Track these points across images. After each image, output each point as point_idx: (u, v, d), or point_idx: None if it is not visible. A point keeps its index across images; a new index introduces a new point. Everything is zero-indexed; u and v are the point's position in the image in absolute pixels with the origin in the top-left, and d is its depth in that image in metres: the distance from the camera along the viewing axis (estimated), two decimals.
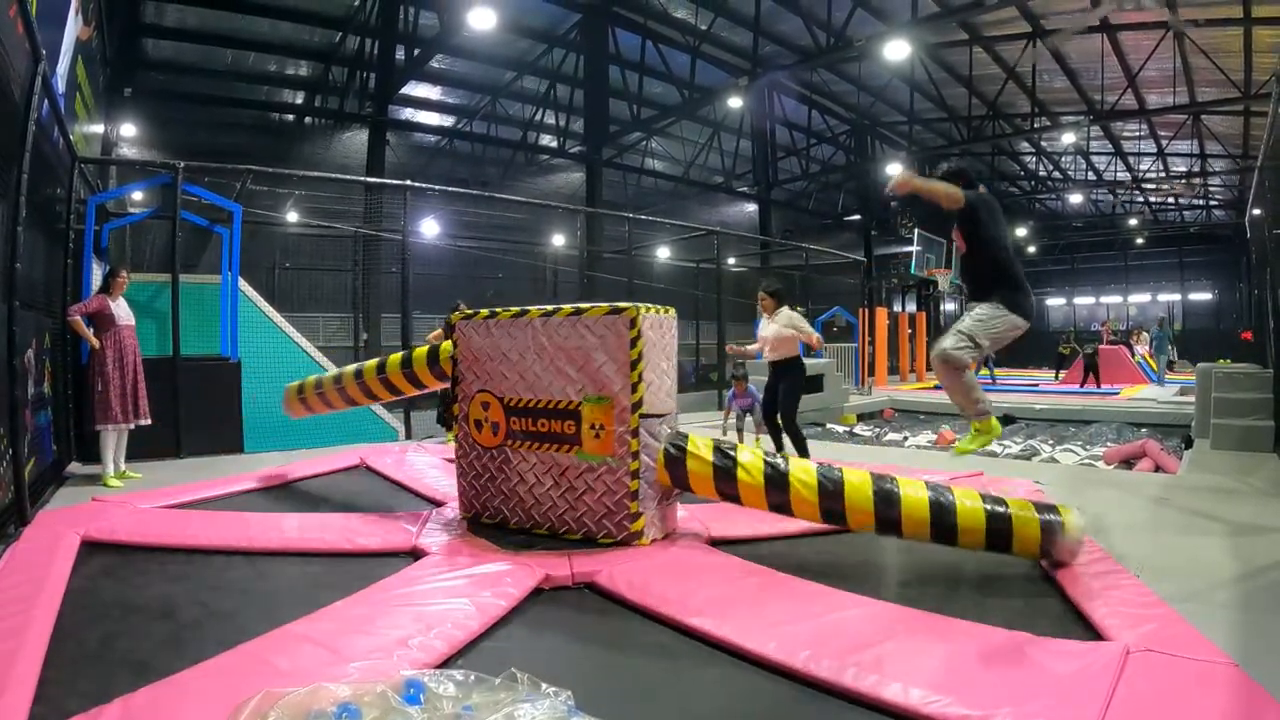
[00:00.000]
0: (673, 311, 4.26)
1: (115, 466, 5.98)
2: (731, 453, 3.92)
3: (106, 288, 6.04)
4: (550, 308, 4.17)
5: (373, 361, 5.43)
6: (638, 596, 3.16)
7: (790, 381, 6.10)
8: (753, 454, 3.93)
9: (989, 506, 3.43)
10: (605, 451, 3.92)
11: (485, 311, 4.41)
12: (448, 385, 4.77)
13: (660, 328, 4.10)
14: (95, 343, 5.87)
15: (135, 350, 6.10)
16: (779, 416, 6.17)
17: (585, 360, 3.98)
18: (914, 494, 3.50)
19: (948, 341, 3.48)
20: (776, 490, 3.75)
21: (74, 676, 2.44)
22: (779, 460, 3.87)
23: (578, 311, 4.05)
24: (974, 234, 3.63)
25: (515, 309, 4.29)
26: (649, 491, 3.95)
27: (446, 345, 4.74)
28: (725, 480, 3.86)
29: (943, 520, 3.41)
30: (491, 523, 4.34)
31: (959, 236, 3.67)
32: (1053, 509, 3.45)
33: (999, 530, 3.38)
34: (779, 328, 6.15)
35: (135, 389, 6.02)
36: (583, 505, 4.00)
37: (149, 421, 6.14)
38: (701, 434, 6.99)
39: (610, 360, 3.91)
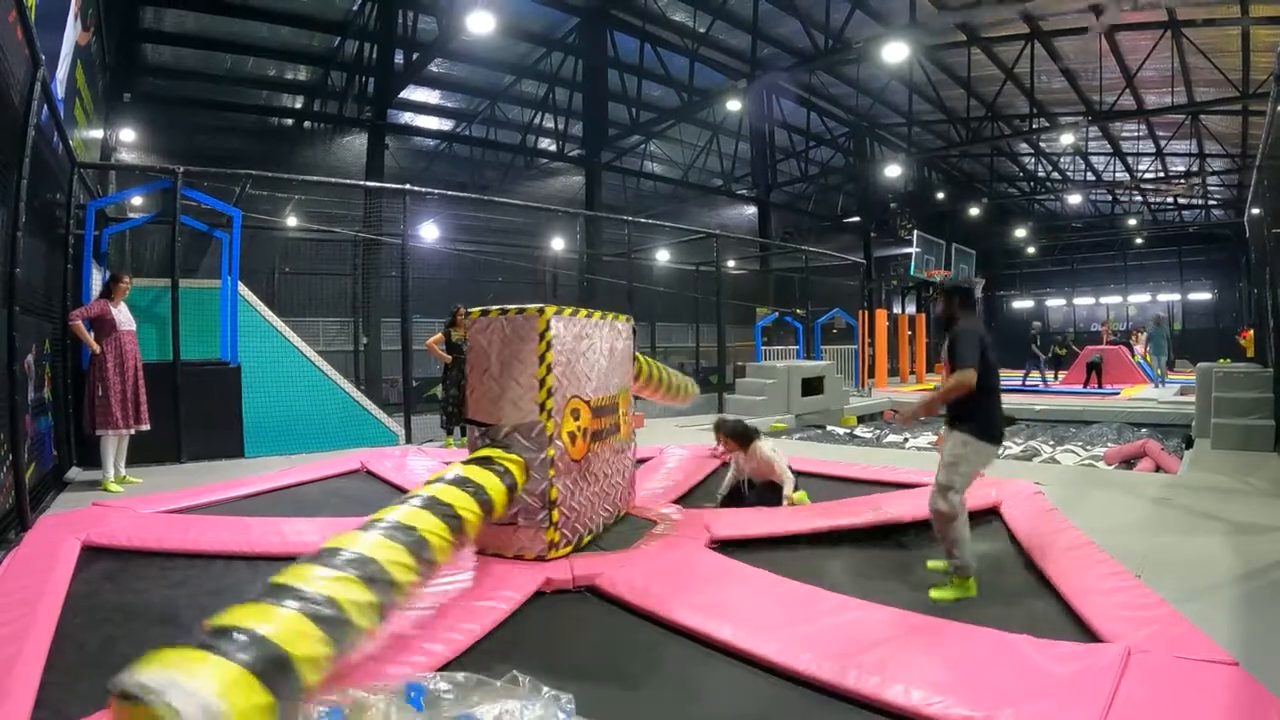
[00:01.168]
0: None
1: (116, 471, 5.96)
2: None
3: (108, 293, 6.01)
4: (596, 312, 4.57)
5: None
6: (638, 599, 3.16)
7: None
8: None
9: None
10: (629, 434, 4.90)
11: (569, 310, 4.13)
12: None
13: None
14: (96, 348, 5.82)
15: (136, 355, 6.06)
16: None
17: (618, 358, 4.78)
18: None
19: (935, 502, 3.49)
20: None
21: (75, 680, 2.44)
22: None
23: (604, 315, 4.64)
24: (954, 360, 3.59)
25: (583, 309, 4.40)
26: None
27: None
28: None
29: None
30: (588, 540, 4.11)
31: (945, 364, 3.65)
32: None
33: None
34: (759, 463, 5.20)
35: (136, 394, 5.99)
36: (624, 482, 4.76)
37: (148, 427, 6.11)
38: (699, 438, 6.95)
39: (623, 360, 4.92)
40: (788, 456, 5.26)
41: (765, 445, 5.22)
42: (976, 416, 3.47)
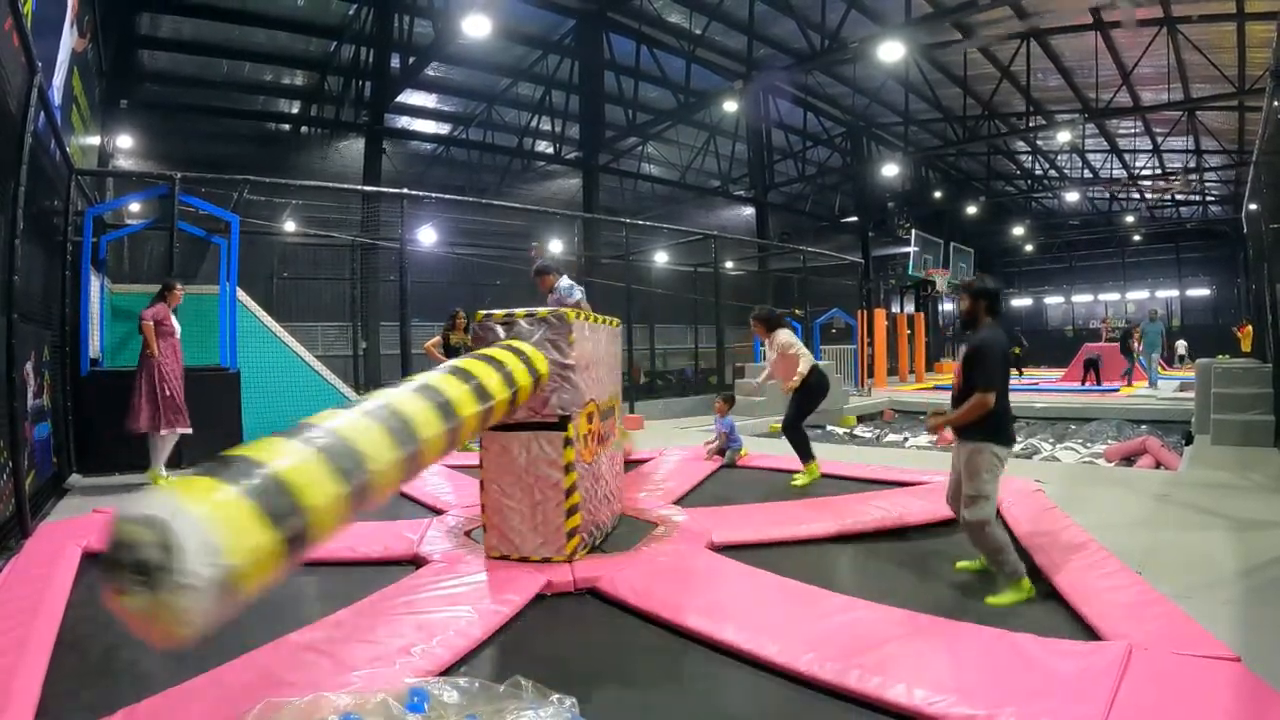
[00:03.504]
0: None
1: (156, 468, 6.15)
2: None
3: (163, 298, 6.27)
4: (596, 316, 4.56)
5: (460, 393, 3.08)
6: (640, 601, 3.15)
7: (797, 396, 5.95)
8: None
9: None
10: (619, 437, 4.87)
11: (573, 313, 4.00)
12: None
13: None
14: (158, 351, 6.07)
15: (182, 360, 6.34)
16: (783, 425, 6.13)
17: (612, 361, 4.78)
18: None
19: (967, 515, 3.46)
20: None
21: (77, 688, 2.44)
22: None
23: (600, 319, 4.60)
24: (973, 374, 3.56)
25: (593, 314, 4.59)
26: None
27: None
28: None
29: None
30: (600, 539, 4.11)
31: (959, 374, 3.62)
32: None
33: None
34: (778, 352, 6.01)
35: (176, 397, 6.19)
36: (619, 486, 4.71)
37: (190, 430, 6.25)
38: (699, 440, 6.96)
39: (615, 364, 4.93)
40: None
41: (784, 334, 6.06)
42: (989, 422, 3.46)
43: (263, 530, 1.80)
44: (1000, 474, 3.52)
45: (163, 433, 6.09)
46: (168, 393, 6.06)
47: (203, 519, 1.67)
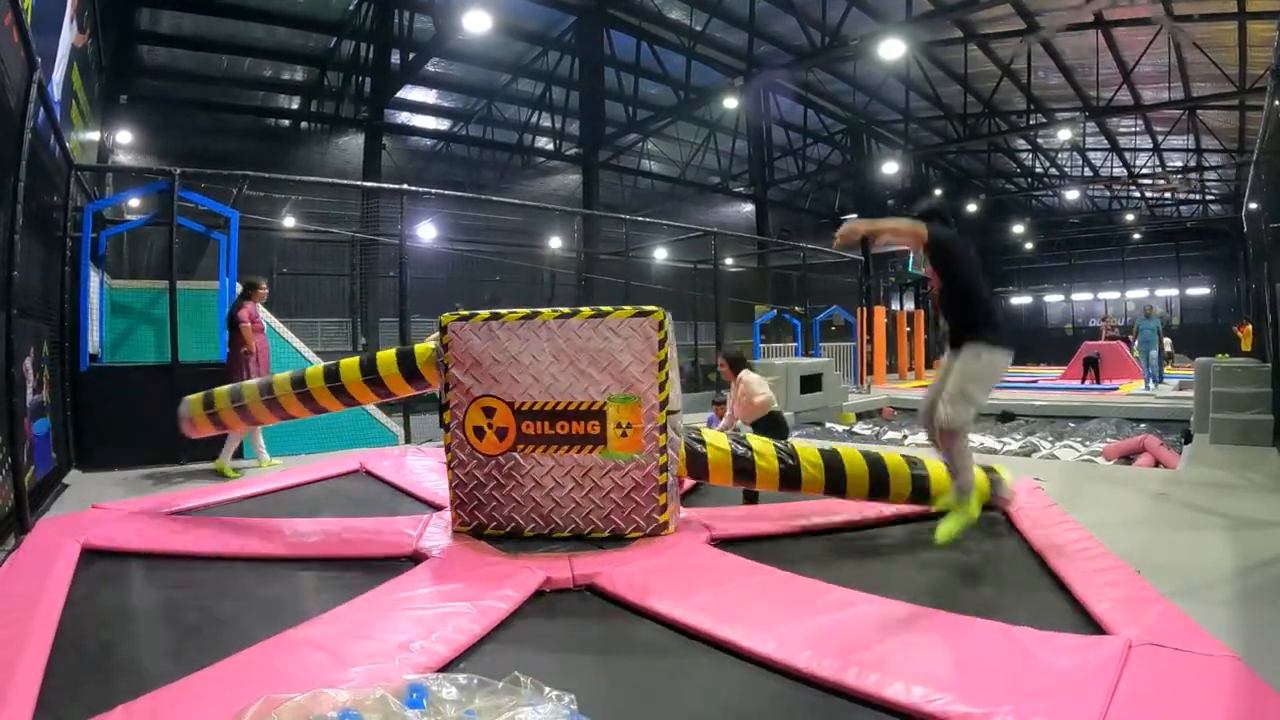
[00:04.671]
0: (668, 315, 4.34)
1: (261, 456, 6.83)
2: (745, 442, 4.32)
3: (249, 296, 6.77)
4: (566, 309, 4.17)
5: (318, 368, 4.65)
6: (639, 598, 3.15)
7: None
8: (763, 442, 4.37)
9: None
10: (633, 449, 4.05)
11: (485, 313, 4.20)
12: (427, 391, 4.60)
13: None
14: (254, 348, 6.62)
15: (268, 353, 6.88)
16: None
17: (609, 361, 4.06)
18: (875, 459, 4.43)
19: (943, 411, 3.45)
20: (790, 473, 4.27)
21: (75, 684, 2.44)
22: (787, 446, 4.38)
23: (600, 314, 4.10)
24: (948, 271, 3.63)
25: (523, 310, 4.20)
26: (673, 484, 4.20)
27: (424, 348, 4.38)
28: (743, 467, 4.29)
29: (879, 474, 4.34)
30: (500, 533, 4.18)
31: (934, 275, 3.67)
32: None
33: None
34: (740, 390, 5.63)
35: None
36: (609, 503, 4.10)
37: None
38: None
39: (637, 360, 4.04)
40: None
41: (748, 374, 5.65)
42: (990, 321, 3.45)
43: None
44: (987, 384, 3.55)
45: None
46: None
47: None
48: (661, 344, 4.03)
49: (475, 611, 2.95)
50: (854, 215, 26.29)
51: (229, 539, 4.02)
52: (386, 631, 2.74)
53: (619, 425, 4.04)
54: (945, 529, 3.43)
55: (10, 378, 4.31)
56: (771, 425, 5.50)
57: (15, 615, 2.85)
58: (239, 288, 7.14)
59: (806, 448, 4.40)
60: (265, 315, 7.88)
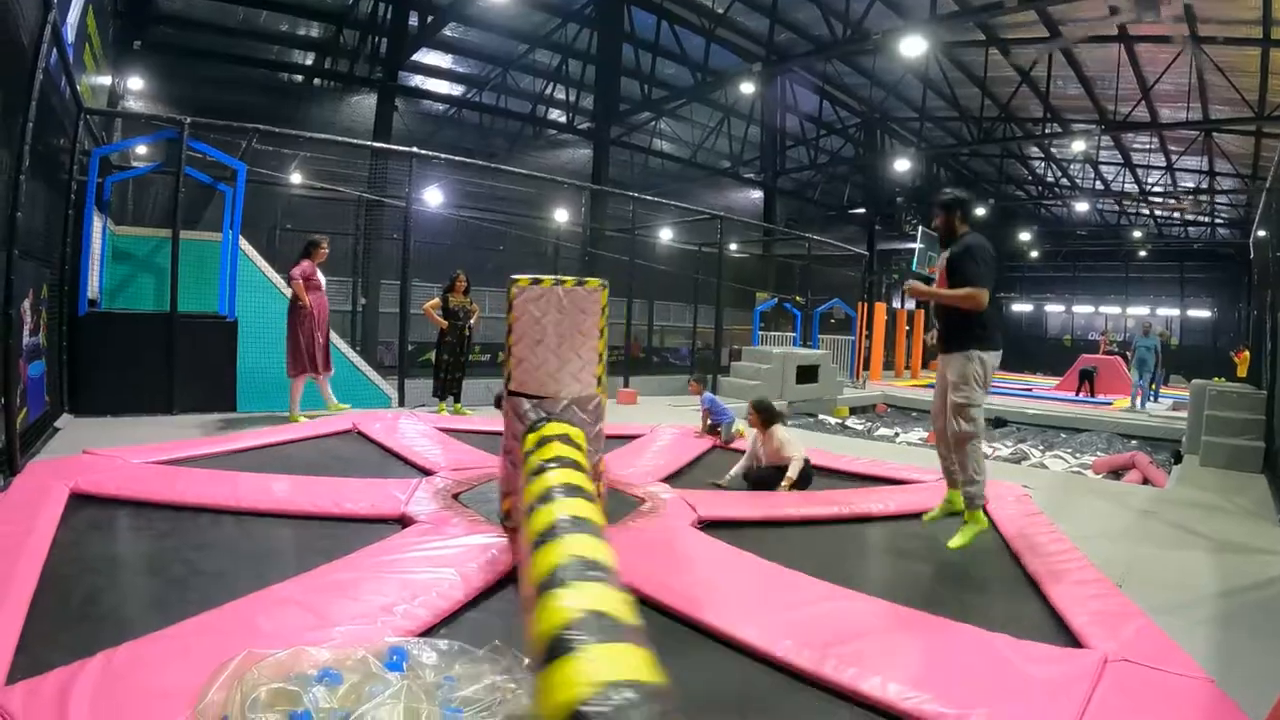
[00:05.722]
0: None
1: (331, 401, 7.18)
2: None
3: (309, 255, 6.88)
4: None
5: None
6: (623, 575, 3.16)
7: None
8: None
9: None
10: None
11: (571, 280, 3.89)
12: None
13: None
14: (309, 304, 6.74)
15: (327, 310, 7.04)
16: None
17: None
18: None
19: (955, 426, 3.46)
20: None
21: (57, 629, 2.45)
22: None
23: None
24: (965, 284, 3.56)
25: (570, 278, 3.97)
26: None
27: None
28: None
29: None
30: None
31: (943, 279, 3.63)
32: None
33: None
34: (776, 444, 5.28)
35: (327, 345, 7.01)
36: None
37: (333, 372, 7.15)
38: (694, 419, 6.92)
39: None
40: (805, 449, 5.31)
41: (782, 430, 5.36)
42: (983, 329, 3.46)
43: None
44: (988, 382, 3.57)
45: (320, 376, 6.96)
46: (321, 341, 6.87)
47: None
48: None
49: (459, 578, 2.96)
50: (862, 209, 26.26)
51: (218, 491, 4.03)
52: (370, 593, 2.75)
53: None
54: (958, 539, 3.44)
55: (8, 318, 4.29)
56: (803, 479, 5.11)
57: (0, 557, 2.85)
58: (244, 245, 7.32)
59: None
60: (267, 270, 7.88)
